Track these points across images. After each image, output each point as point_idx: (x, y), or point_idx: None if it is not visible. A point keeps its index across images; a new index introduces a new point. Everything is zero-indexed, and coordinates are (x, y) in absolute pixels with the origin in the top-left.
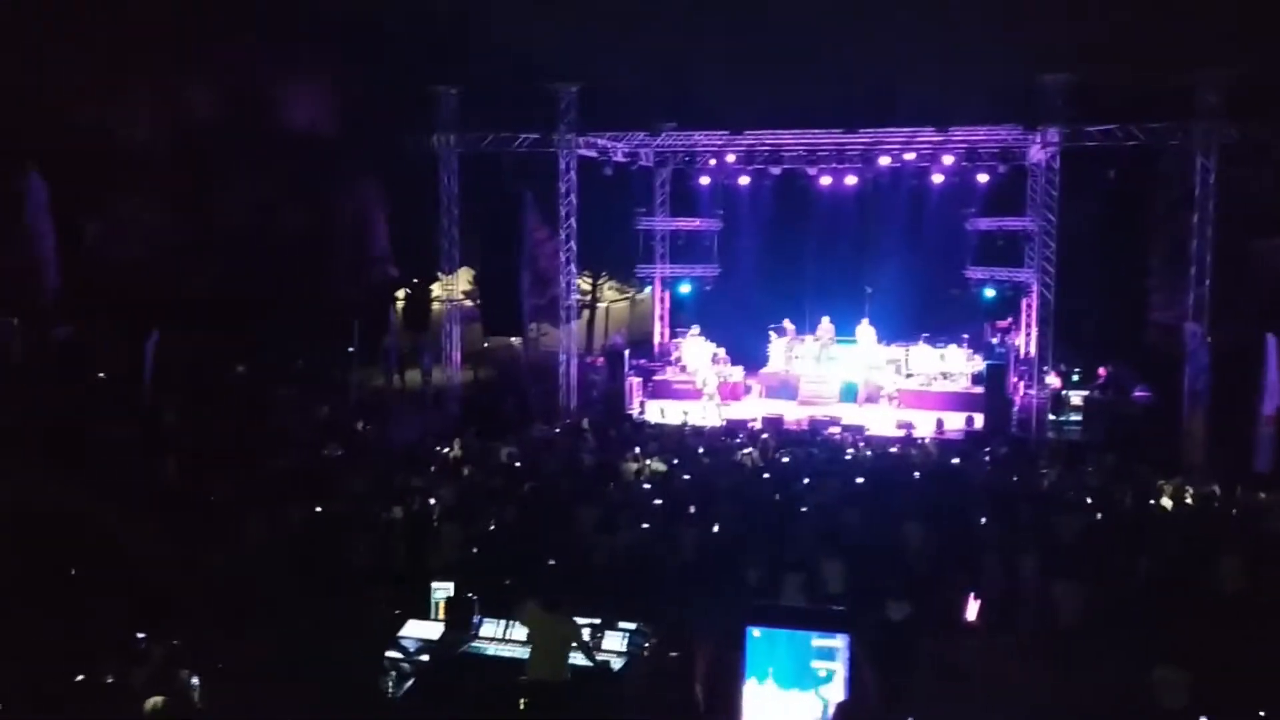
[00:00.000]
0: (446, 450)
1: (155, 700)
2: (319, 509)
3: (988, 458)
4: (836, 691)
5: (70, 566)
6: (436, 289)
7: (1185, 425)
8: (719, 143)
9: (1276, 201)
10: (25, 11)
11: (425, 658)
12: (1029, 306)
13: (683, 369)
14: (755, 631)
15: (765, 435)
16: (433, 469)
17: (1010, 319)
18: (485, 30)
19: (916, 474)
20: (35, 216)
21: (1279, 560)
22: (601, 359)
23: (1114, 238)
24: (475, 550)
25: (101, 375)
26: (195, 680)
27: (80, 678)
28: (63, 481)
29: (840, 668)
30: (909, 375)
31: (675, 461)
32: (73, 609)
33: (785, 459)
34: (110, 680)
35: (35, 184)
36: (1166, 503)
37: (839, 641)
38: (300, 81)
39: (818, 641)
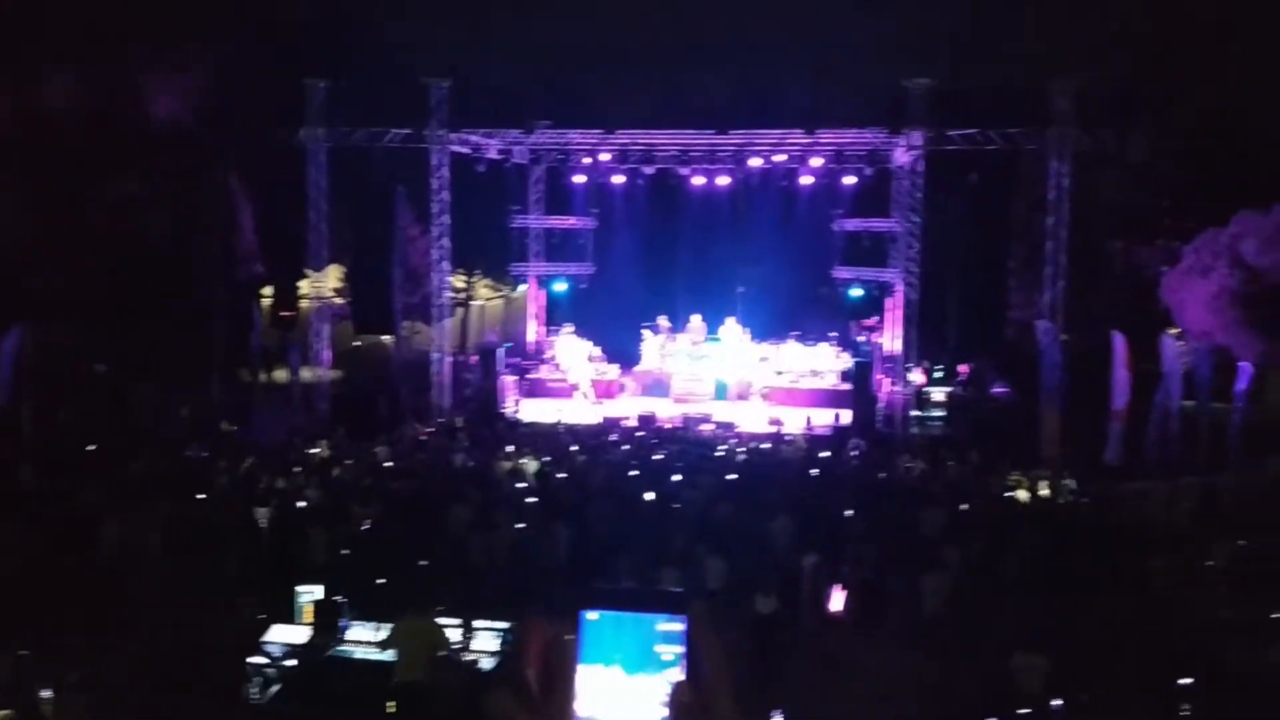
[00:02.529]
0: (315, 451)
1: (1, 715)
2: (181, 512)
3: (854, 453)
4: (680, 675)
5: None
6: (305, 286)
7: (1041, 420)
8: (593, 141)
9: (1126, 206)
10: None
11: (291, 662)
12: (894, 306)
13: (557, 367)
14: (591, 615)
15: (641, 433)
16: (299, 470)
17: (876, 318)
18: (355, 22)
19: (786, 469)
20: None
21: (1131, 549)
22: (475, 357)
23: (975, 239)
24: (345, 552)
25: None
26: (46, 693)
27: None
28: None
29: (682, 651)
30: (779, 373)
31: (549, 460)
32: None
33: (658, 456)
34: None
35: None
36: (1023, 495)
37: (680, 625)
38: (163, 73)
39: (662, 626)
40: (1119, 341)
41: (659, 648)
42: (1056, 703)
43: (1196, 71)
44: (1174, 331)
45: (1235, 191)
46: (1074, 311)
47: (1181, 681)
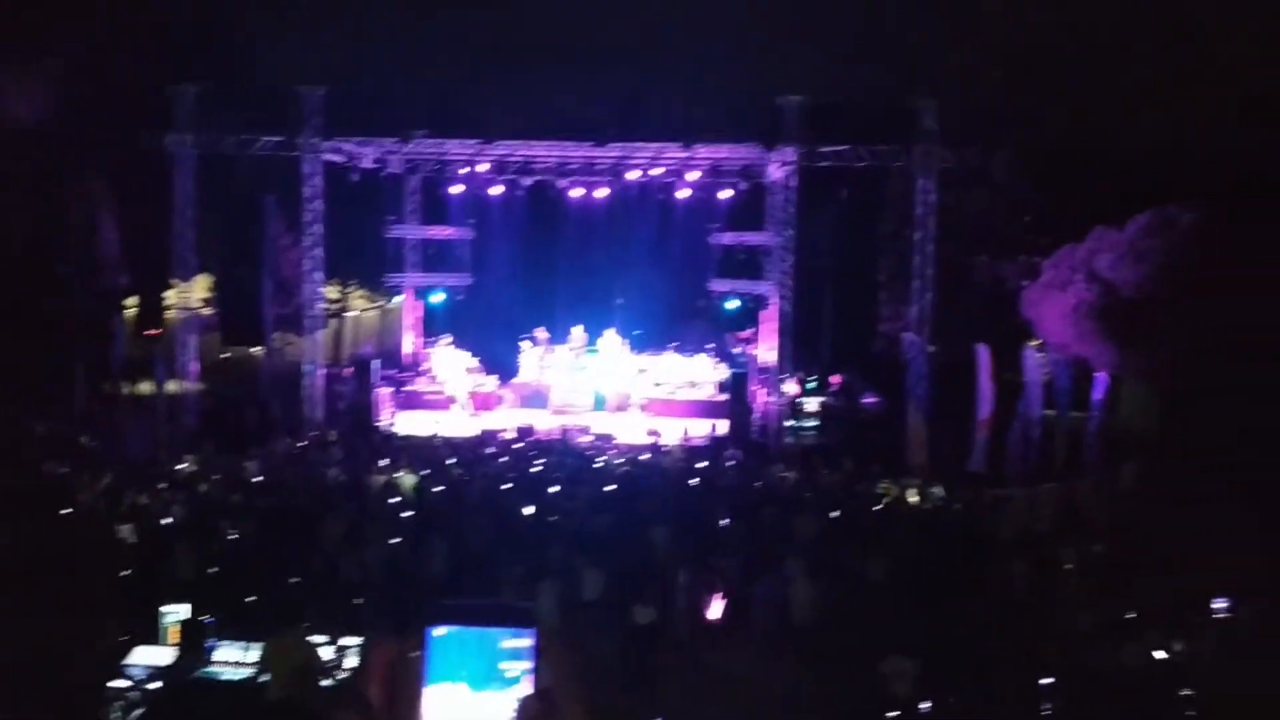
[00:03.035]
0: (181, 466)
1: None
2: (38, 530)
3: (731, 463)
4: (527, 690)
5: None
6: (171, 296)
7: (908, 430)
8: (470, 152)
9: (990, 222)
10: None
11: (155, 685)
12: (768, 318)
13: (434, 379)
14: (438, 631)
15: (519, 445)
16: (164, 486)
17: (752, 329)
18: (226, 26)
19: (664, 480)
20: None
21: (994, 554)
22: (349, 369)
23: (847, 253)
24: (212, 570)
25: None
26: None
27: None
28: None
29: (529, 666)
30: (658, 384)
31: (426, 473)
32: None
33: (537, 468)
34: None
35: None
36: (893, 502)
37: (528, 640)
38: (21, 72)
39: (508, 642)
40: (983, 353)
41: (504, 664)
42: (925, 705)
43: (1055, 91)
44: (1035, 343)
45: (1092, 208)
46: (941, 324)
47: (1043, 681)
